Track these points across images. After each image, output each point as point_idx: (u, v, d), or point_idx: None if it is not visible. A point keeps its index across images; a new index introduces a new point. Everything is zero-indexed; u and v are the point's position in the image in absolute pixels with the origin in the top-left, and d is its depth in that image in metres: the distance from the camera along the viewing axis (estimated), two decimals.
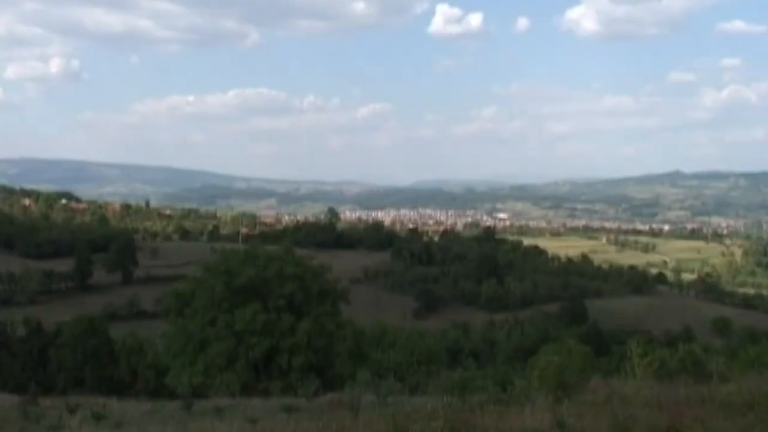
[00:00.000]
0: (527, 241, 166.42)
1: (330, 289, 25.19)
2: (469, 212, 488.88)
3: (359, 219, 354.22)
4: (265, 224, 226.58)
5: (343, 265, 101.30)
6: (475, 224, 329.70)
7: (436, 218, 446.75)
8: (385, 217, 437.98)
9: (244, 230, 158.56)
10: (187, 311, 23.69)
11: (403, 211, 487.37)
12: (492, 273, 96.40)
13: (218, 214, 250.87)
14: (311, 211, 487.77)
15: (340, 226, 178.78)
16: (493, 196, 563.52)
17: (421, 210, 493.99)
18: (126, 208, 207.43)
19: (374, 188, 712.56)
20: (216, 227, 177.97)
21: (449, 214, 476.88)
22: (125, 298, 79.88)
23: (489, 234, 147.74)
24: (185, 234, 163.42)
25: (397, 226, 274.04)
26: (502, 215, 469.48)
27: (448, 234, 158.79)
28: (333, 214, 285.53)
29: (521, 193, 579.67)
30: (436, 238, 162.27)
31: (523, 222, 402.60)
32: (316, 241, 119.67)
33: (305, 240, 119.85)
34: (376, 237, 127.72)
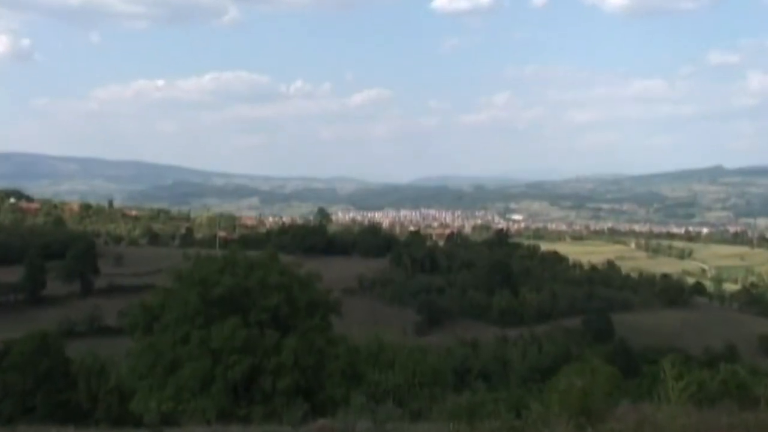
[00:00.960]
0: (545, 246, 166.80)
1: (320, 301, 25.25)
2: (479, 213, 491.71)
3: (353, 221, 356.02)
4: (246, 227, 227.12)
5: (335, 273, 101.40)
6: (485, 227, 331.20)
7: (441, 220, 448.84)
8: (383, 218, 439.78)
9: (221, 234, 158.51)
10: (156, 326, 23.70)
11: (403, 212, 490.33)
12: (505, 282, 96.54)
13: (192, 216, 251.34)
14: (299, 212, 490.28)
15: (331, 228, 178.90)
16: (506, 194, 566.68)
17: (423, 211, 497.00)
18: (85, 208, 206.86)
19: (370, 186, 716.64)
20: (189, 230, 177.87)
21: (456, 215, 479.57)
22: (84, 311, 79.64)
23: (501, 238, 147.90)
24: (154, 238, 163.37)
25: (397, 229, 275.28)
26: (516, 216, 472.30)
27: (455, 238, 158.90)
28: (324, 215, 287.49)
29: (538, 191, 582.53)
30: (440, 243, 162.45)
31: (540, 224, 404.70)
32: (305, 246, 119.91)
33: (292, 245, 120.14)
34: (373, 241, 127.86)
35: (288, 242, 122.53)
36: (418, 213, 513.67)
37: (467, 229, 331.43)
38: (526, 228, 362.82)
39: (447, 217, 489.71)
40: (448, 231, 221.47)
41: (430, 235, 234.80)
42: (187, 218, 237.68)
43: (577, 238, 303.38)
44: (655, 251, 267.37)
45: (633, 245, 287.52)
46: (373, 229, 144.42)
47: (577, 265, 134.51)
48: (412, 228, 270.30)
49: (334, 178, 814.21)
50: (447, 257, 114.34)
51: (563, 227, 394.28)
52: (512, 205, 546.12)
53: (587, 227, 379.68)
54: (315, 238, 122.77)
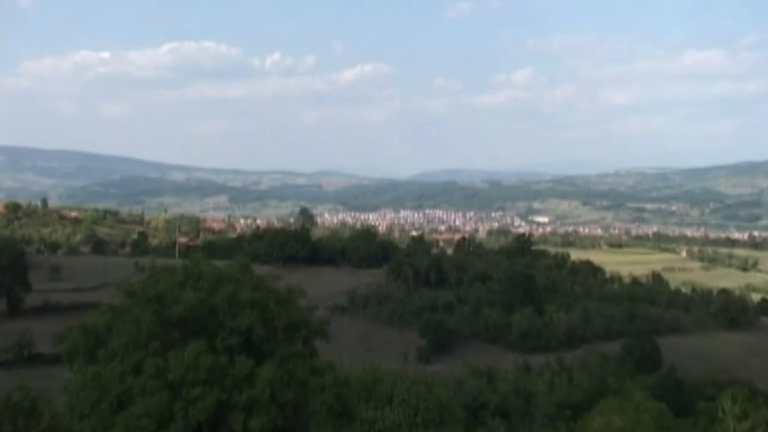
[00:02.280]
0: (576, 255, 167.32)
1: (303, 322, 25.37)
2: (495, 214, 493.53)
3: (343, 223, 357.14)
4: (213, 231, 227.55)
5: (321, 287, 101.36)
6: (503, 231, 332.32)
7: (449, 223, 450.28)
8: (379, 221, 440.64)
9: (182, 239, 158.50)
10: (101, 354, 23.60)
11: (403, 213, 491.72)
12: (527, 299, 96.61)
13: (146, 218, 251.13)
14: (276, 213, 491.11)
15: (316, 233, 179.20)
16: (528, 191, 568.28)
17: (428, 212, 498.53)
18: (13, 208, 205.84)
19: (364, 182, 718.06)
20: (143, 235, 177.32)
21: (467, 217, 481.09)
22: (11, 335, 79.13)
23: (523, 244, 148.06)
24: (99, 245, 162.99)
25: (395, 234, 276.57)
26: (540, 218, 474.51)
27: (466, 244, 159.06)
28: (307, 216, 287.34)
29: (567, 187, 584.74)
30: (449, 250, 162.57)
31: (569, 228, 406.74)
32: (284, 255, 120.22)
33: (268, 253, 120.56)
34: (367, 249, 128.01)
35: (264, 250, 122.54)
36: (421, 214, 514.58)
37: (481, 234, 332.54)
38: (553, 232, 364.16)
39: (457, 219, 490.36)
40: (457, 236, 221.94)
41: (436, 242, 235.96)
42: (140, 221, 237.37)
43: (616, 244, 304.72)
44: (712, 261, 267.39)
45: (684, 254, 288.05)
46: (367, 234, 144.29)
47: (616, 278, 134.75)
48: (414, 233, 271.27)
49: (320, 172, 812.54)
50: (457, 268, 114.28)
51: (598, 231, 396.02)
52: (536, 205, 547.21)
53: (627, 232, 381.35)
54: (296, 245, 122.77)
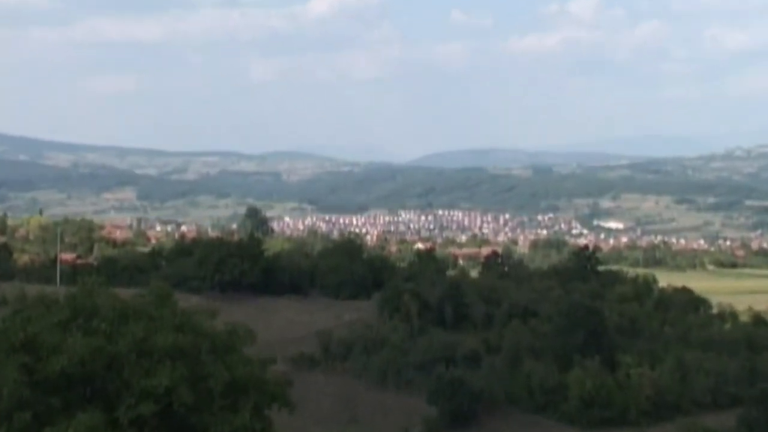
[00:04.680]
0: (666, 279, 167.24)
1: (252, 381, 25.49)
2: (543, 217, 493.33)
3: (313, 231, 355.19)
4: (114, 242, 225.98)
5: (280, 328, 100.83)
6: (555, 242, 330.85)
7: (473, 229, 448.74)
8: (367, 227, 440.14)
9: (67, 255, 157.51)
10: None
11: (404, 215, 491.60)
12: (592, 346, 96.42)
13: (10, 222, 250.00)
14: (211, 215, 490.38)
15: (272, 246, 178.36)
16: (593, 182, 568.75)
17: (441, 213, 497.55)
18: None
19: (343, 169, 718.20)
20: (5, 249, 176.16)
21: (501, 220, 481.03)
22: None
23: (585, 263, 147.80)
24: None
25: (391, 247, 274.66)
26: (612, 224, 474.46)
27: (499, 263, 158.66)
28: (257, 221, 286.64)
29: (653, 176, 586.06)
30: (473, 272, 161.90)
31: (656, 238, 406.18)
32: (223, 279, 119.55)
33: (200, 276, 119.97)
34: (348, 270, 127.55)
35: (192, 271, 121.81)
36: (431, 217, 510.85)
37: (522, 247, 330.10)
38: (631, 245, 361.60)
39: (485, 224, 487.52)
40: (486, 250, 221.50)
41: (454, 258, 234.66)
42: (0, 226, 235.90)
43: (728, 264, 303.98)
44: None
45: None
46: (349, 247, 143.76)
47: (728, 315, 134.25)
48: (419, 245, 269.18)
49: (277, 154, 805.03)
50: (485, 299, 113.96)
51: (700, 243, 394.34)
52: (605, 203, 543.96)
53: (746, 244, 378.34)
54: (242, 264, 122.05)
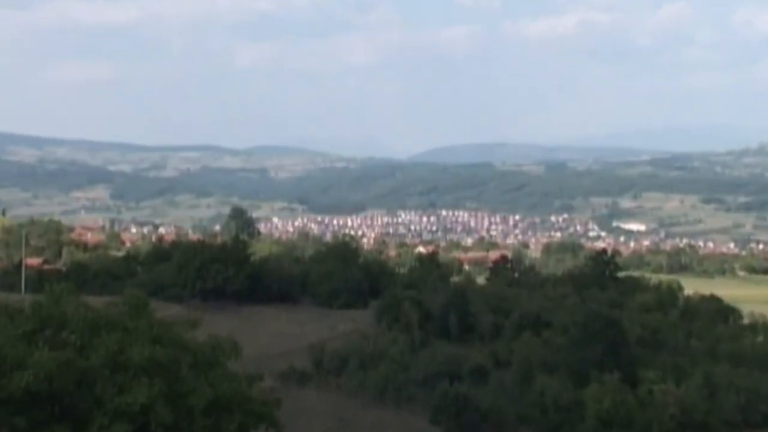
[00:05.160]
0: (693, 286, 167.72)
1: (237, 398, 25.60)
2: (557, 218, 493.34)
3: (304, 234, 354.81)
4: (85, 246, 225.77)
5: (268, 340, 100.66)
6: (570, 245, 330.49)
7: (479, 230, 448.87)
8: (364, 228, 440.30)
9: (33, 260, 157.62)
10: None
11: (404, 216, 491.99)
12: (611, 360, 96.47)
13: None
14: (192, 216, 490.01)
15: (259, 250, 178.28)
16: (612, 180, 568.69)
17: (445, 213, 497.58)
18: None
19: (338, 165, 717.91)
20: None
21: (511, 222, 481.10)
22: None
23: (604, 269, 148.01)
24: None
25: (390, 251, 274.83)
26: (632, 225, 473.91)
27: (509, 268, 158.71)
28: (243, 222, 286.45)
29: (677, 173, 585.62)
30: (480, 278, 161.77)
31: (681, 240, 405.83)
32: (206, 286, 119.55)
33: (179, 283, 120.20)
34: (343, 276, 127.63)
35: (171, 278, 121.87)
36: (433, 218, 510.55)
37: (533, 250, 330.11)
38: (654, 248, 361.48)
39: (493, 225, 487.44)
40: (494, 254, 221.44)
41: (459, 263, 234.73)
42: None
43: (761, 270, 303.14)
44: None
45: None
46: (344, 251, 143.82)
47: (760, 327, 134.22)
48: (421, 248, 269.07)
49: (265, 149, 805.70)
50: (492, 307, 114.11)
51: (730, 247, 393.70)
52: (625, 203, 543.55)
53: None
54: (226, 270, 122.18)
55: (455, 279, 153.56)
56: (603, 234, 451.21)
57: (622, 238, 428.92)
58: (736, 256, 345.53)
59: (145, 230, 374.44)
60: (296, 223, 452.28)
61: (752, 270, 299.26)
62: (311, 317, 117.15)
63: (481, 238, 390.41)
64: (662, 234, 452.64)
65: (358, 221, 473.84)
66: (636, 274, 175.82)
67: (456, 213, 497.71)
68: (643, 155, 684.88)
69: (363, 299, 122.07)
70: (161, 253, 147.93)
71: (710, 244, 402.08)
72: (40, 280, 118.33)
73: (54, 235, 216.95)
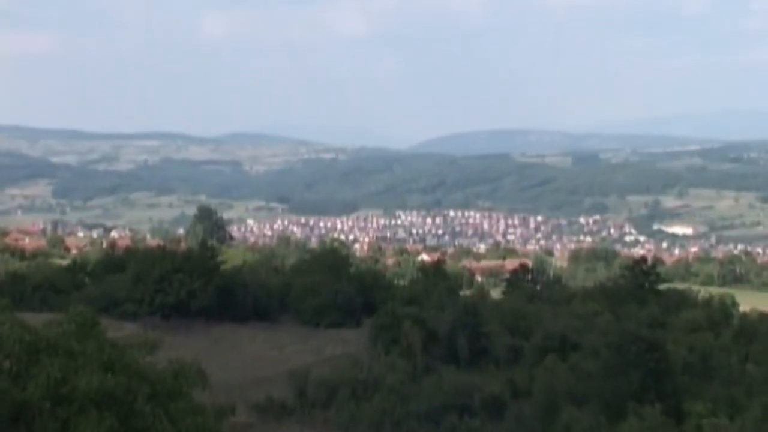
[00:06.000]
0: (750, 301, 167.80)
1: None
2: (587, 220, 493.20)
3: (284, 238, 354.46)
4: (22, 252, 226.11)
5: (241, 366, 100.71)
6: (602, 253, 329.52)
7: (495, 235, 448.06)
8: (356, 231, 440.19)
9: None
10: None
11: (404, 218, 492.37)
12: (652, 389, 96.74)
13: None
14: (151, 217, 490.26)
15: (231, 257, 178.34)
16: (652, 174, 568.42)
17: (453, 214, 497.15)
18: None
19: (325, 156, 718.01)
20: None
21: (532, 224, 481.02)
22: None
23: (643, 280, 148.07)
24: None
25: (387, 259, 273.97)
26: (677, 228, 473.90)
27: (529, 279, 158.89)
28: (210, 222, 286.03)
29: (731, 166, 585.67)
30: (494, 292, 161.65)
31: (735, 246, 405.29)
32: (167, 301, 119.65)
33: (135, 297, 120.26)
34: (331, 289, 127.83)
35: (126, 291, 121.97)
36: (439, 220, 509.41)
37: (558, 258, 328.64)
38: (702, 255, 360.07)
39: (510, 228, 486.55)
40: (512, 263, 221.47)
41: (470, 274, 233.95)
42: None
43: None
44: None
45: None
46: (332, 259, 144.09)
47: None
48: (424, 256, 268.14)
49: (237, 136, 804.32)
50: (509, 327, 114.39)
51: None
52: (667, 201, 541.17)
53: None
54: (191, 282, 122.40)
55: (465, 293, 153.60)
56: (642, 239, 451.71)
57: (664, 244, 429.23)
58: None
59: (95, 234, 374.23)
60: (275, 226, 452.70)
61: None
62: (293, 338, 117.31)
63: (497, 244, 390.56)
64: (713, 239, 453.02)
65: (350, 223, 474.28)
66: (682, 286, 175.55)
67: (466, 214, 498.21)
68: (691, 144, 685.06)
69: (355, 317, 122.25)
70: (114, 261, 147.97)
71: None
72: None
73: None
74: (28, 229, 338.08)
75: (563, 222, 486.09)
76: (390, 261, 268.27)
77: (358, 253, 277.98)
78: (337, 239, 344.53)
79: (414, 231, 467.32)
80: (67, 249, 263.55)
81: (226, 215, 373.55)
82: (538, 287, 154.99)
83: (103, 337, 26.63)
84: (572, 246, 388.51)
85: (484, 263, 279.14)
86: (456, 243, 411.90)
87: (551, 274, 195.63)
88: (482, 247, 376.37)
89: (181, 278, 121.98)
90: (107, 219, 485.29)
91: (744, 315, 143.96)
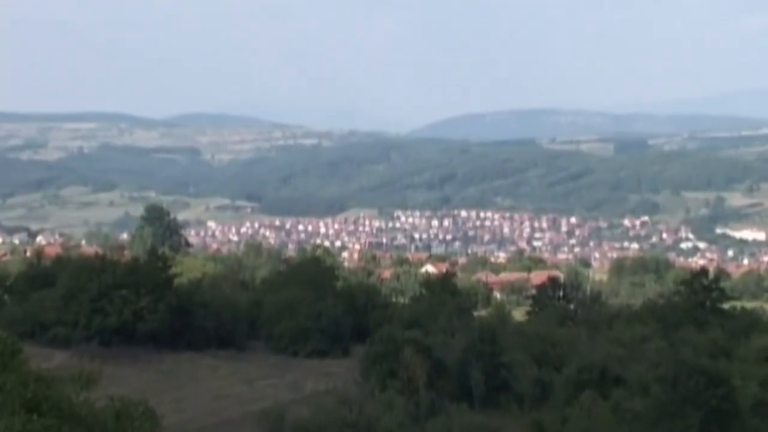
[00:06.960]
0: None
1: None
2: (632, 222, 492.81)
3: (257, 243, 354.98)
4: None
5: (201, 401, 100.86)
6: (649, 261, 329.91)
7: (517, 239, 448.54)
8: (345, 236, 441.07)
9: None
10: None
11: (404, 219, 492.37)
12: (713, 430, 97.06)
13: None
14: (87, 218, 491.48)
15: (188, 268, 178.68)
16: (712, 165, 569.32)
17: (466, 214, 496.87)
18: None
19: (305, 143, 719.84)
20: None
21: (564, 227, 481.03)
22: None
23: (700, 296, 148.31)
24: None
25: (384, 272, 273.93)
26: (744, 233, 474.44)
27: (559, 295, 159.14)
28: (161, 225, 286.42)
29: None
30: (516, 311, 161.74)
31: None
32: (107, 323, 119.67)
33: (67, 318, 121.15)
34: (313, 308, 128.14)
35: (55, 310, 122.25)
36: (448, 222, 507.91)
37: (597, 270, 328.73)
38: None
39: (536, 233, 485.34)
40: (538, 276, 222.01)
41: (488, 289, 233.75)
42: None
43: None
44: None
45: None
46: (313, 269, 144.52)
47: None
48: (429, 267, 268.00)
49: (195, 117, 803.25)
50: (536, 357, 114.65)
51: None
52: (734, 199, 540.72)
53: None
54: (138, 300, 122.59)
55: (481, 313, 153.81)
56: (702, 246, 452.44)
57: (730, 252, 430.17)
58: None
59: (16, 240, 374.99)
60: (243, 230, 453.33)
61: None
62: (265, 371, 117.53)
63: (520, 252, 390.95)
64: None
65: (336, 226, 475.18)
66: (751, 305, 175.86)
67: (482, 214, 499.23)
68: (763, 128, 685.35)
69: (342, 344, 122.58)
70: (40, 274, 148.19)
71: None
72: None
73: None
74: None
75: (603, 225, 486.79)
76: (387, 273, 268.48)
77: (346, 264, 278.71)
78: (321, 246, 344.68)
79: (416, 236, 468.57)
80: None
81: (181, 216, 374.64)
82: (572, 306, 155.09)
83: (27, 369, 26.64)
84: (614, 255, 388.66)
85: (504, 276, 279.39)
86: (469, 251, 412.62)
87: (588, 289, 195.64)
88: (502, 256, 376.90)
89: (125, 295, 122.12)
90: (32, 221, 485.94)
91: None
